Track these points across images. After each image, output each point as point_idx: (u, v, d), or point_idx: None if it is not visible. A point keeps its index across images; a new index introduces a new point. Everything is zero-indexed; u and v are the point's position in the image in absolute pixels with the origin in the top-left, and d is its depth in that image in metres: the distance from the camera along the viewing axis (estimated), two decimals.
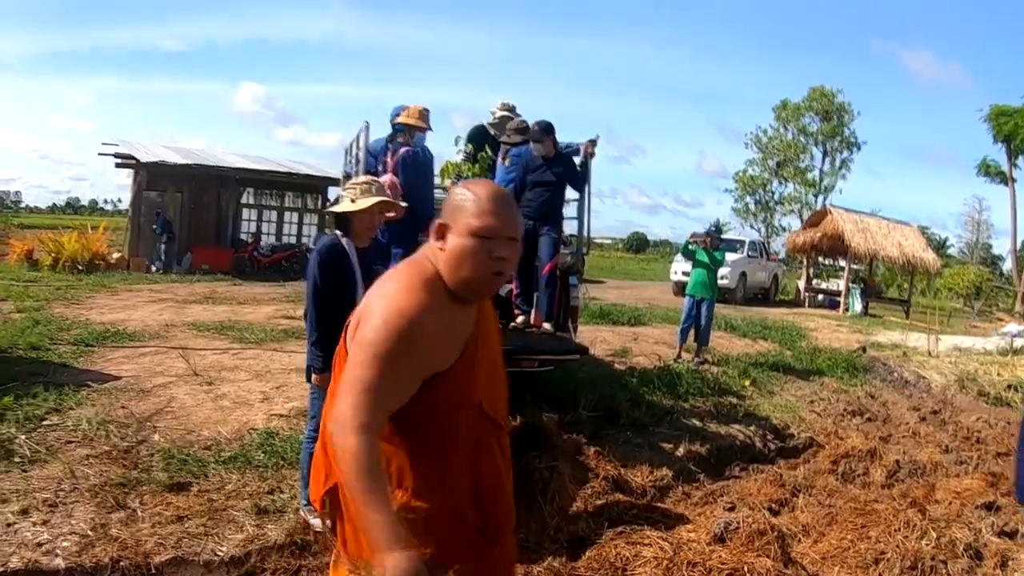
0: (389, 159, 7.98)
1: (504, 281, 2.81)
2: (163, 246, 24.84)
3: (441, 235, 2.70)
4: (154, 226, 25.16)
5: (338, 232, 5.45)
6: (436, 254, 2.72)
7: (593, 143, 8.83)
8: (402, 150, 7.93)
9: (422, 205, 7.57)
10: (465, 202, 2.64)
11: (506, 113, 9.60)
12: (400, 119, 8.09)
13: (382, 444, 2.53)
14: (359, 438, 2.36)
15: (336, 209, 5.46)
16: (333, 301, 5.19)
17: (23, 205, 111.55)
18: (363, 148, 8.23)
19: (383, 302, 2.59)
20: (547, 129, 8.46)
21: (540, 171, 8.51)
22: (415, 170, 7.87)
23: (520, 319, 8.66)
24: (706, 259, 12.78)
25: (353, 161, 9.39)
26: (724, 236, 14.09)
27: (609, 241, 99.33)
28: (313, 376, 5.45)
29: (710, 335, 13.30)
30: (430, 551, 2.46)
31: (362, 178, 5.74)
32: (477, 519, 2.75)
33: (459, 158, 9.97)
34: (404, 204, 6.00)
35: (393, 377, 2.47)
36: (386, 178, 7.39)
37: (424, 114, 8.09)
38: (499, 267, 2.67)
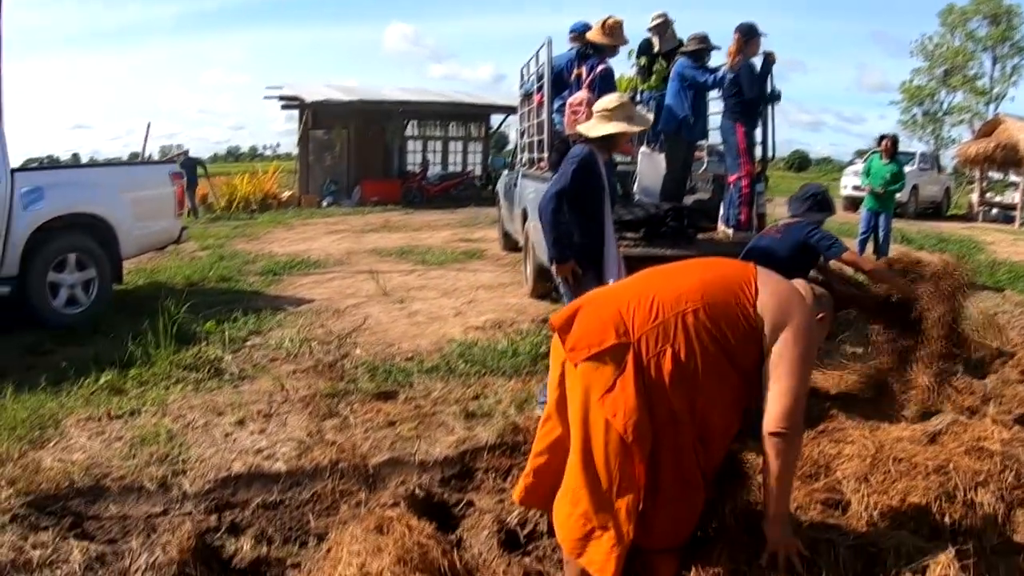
0: (585, 74, 7.82)
1: None
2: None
3: None
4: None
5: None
6: None
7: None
8: (599, 67, 7.79)
9: None
10: None
11: (660, 21, 9.24)
12: (595, 38, 7.93)
13: None
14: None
15: (581, 130, 5.70)
16: (580, 206, 5.66)
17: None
18: (546, 63, 8.12)
19: None
20: None
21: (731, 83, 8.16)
22: (612, 87, 7.70)
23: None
24: (883, 173, 12.21)
25: (534, 78, 9.25)
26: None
27: (770, 160, 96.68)
28: (553, 267, 5.77)
29: (890, 247, 12.73)
30: None
31: (607, 103, 5.68)
32: None
33: (632, 72, 9.74)
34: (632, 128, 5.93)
35: None
36: (582, 95, 7.24)
37: (620, 28, 7.89)
38: None
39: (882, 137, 12.68)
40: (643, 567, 3.12)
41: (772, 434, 2.95)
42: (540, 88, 8.67)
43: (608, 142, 5.66)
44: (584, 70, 8.01)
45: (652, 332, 2.94)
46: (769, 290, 3.09)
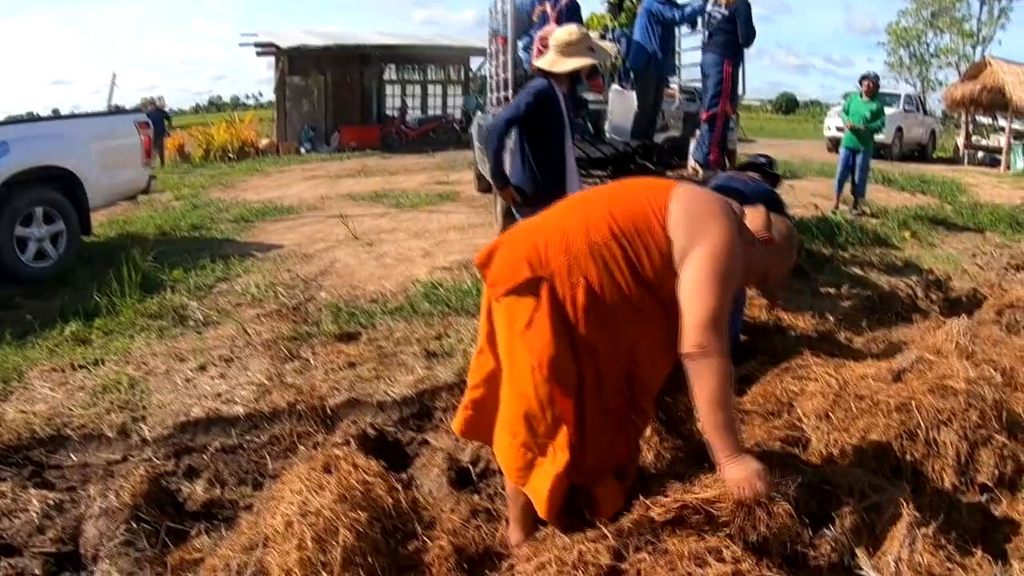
0: (550, 10, 7.79)
1: None
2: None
3: None
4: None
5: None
6: None
7: None
8: (564, 0, 7.73)
9: None
10: None
11: None
12: None
13: None
14: None
15: (542, 66, 5.64)
16: (539, 142, 5.72)
17: (167, 109, 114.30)
18: (509, 2, 8.09)
19: None
20: None
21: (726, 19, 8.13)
22: (579, 21, 7.68)
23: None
24: (863, 111, 12.20)
25: (499, 16, 9.19)
26: (880, 90, 13.20)
27: (757, 103, 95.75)
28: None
29: (867, 187, 12.75)
30: None
31: (567, 37, 5.62)
32: None
33: (603, 9, 9.70)
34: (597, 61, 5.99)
35: None
36: (550, 28, 7.21)
37: None
38: None
39: (863, 77, 12.69)
40: (587, 502, 3.10)
41: (684, 356, 2.74)
42: (506, 27, 8.64)
43: (569, 75, 5.64)
44: (548, 5, 7.97)
45: (564, 265, 2.86)
46: (681, 208, 2.89)
